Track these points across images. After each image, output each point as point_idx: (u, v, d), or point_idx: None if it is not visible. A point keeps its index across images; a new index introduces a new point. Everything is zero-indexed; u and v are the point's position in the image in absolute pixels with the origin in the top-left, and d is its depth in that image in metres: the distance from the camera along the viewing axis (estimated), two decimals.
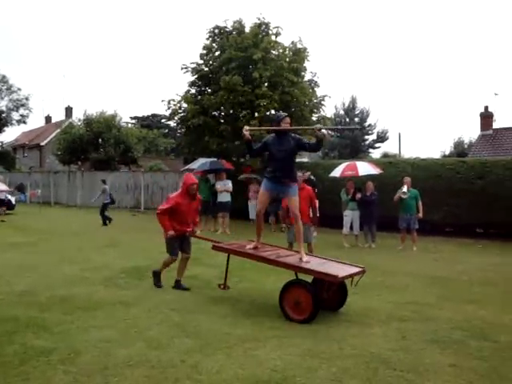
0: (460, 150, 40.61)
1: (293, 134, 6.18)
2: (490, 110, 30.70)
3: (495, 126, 30.44)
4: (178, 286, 7.06)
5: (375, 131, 44.33)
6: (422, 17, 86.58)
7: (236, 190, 15.35)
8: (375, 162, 15.42)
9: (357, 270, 5.98)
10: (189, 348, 4.65)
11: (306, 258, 6.03)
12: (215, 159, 16.81)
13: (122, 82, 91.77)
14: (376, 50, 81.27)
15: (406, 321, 5.66)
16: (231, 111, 17.59)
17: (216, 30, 18.18)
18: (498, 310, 6.26)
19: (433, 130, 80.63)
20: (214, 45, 18.15)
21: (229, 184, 15.04)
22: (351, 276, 5.80)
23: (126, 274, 8.08)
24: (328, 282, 5.58)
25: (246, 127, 6.11)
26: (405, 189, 11.89)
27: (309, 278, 5.90)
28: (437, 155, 42.25)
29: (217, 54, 18.11)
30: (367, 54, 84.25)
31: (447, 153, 42.42)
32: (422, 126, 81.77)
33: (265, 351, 4.60)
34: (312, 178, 13.57)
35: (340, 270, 5.79)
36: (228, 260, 6.64)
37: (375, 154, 44.96)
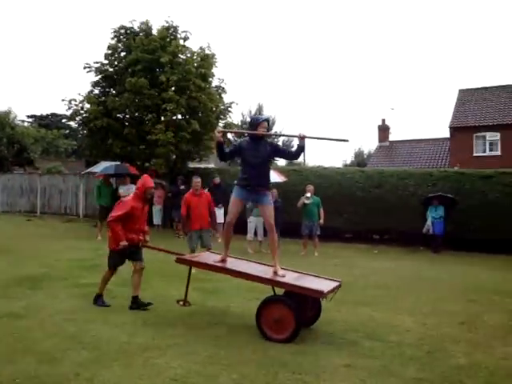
0: (360, 159, 42.97)
1: (269, 140, 5.88)
2: (386, 123, 32.81)
3: (391, 138, 32.59)
4: (137, 304, 6.24)
5: (280, 140, 45.64)
6: (322, 26, 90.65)
7: None
8: (280, 170, 15.80)
9: (336, 284, 5.63)
10: (85, 360, 4.43)
11: (281, 271, 5.63)
12: (119, 163, 16.29)
13: (17, 77, 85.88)
14: (284, 58, 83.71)
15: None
16: (136, 114, 17.15)
17: (122, 30, 17.66)
18: (390, 311, 6.65)
19: None
20: (119, 45, 17.60)
21: (132, 189, 14.59)
22: (334, 291, 5.46)
23: (18, 284, 7.54)
24: (313, 297, 5.30)
25: (219, 129, 6.11)
26: (308, 195, 12.32)
27: (274, 291, 5.70)
28: (339, 164, 44.29)
29: (122, 54, 17.59)
30: (275, 62, 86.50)
31: (348, 162, 44.66)
32: (325, 135, 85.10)
33: (165, 360, 4.50)
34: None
35: (322, 284, 5.45)
36: (189, 274, 6.21)
37: (280, 161, 46.18)
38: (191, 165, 19.03)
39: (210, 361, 4.51)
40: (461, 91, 29.33)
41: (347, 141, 5.69)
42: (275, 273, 5.58)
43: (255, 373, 4.26)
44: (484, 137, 26.22)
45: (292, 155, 6.00)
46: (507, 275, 10.15)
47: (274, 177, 13.18)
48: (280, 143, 36.87)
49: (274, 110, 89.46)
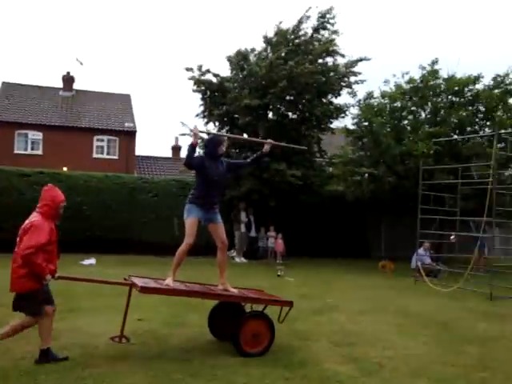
0: None
1: (222, 158, 5.77)
2: None
3: None
4: (49, 356, 4.69)
5: None
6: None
7: None
8: None
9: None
10: None
11: (231, 288, 5.66)
12: None
13: None
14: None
15: None
16: None
17: None
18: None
19: None
20: None
21: None
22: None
23: None
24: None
25: (196, 127, 5.70)
26: None
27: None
28: None
29: None
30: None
31: None
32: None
33: None
34: None
35: (274, 297, 6.02)
36: (128, 303, 5.18)
37: None
38: None
39: None
40: (5, 84, 28.12)
41: (305, 148, 4.95)
42: (226, 290, 5.62)
43: None
44: (26, 135, 25.95)
45: (253, 163, 6.19)
46: None
47: None
48: None
49: None
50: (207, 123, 16.74)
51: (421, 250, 13.10)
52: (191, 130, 6.23)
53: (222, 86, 15.99)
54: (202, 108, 16.66)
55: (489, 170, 11.04)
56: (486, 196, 10.60)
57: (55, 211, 4.77)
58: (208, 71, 16.06)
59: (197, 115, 16.79)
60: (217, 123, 16.53)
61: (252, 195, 15.22)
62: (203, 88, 16.27)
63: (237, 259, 15.01)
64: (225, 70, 18.01)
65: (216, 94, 16.32)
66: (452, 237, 13.53)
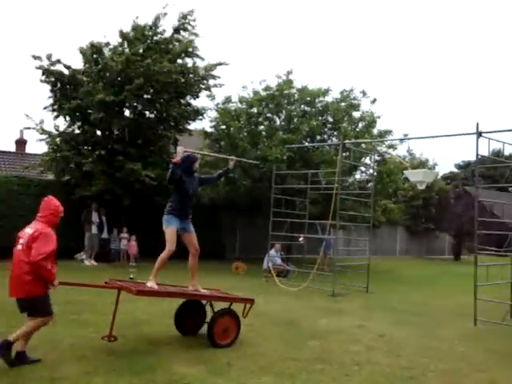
0: None
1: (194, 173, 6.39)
2: None
3: None
4: (24, 357, 4.84)
5: None
6: None
7: None
8: None
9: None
10: None
11: (201, 289, 6.40)
12: None
13: None
14: None
15: None
16: None
17: None
18: None
19: None
20: None
21: None
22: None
23: None
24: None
25: (182, 148, 6.20)
26: None
27: None
28: None
29: None
30: None
31: None
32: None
33: None
34: None
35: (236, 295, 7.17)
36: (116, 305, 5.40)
37: None
38: None
39: None
40: None
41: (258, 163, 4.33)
42: (197, 290, 6.30)
43: None
44: None
45: (220, 177, 7.12)
46: None
47: None
48: None
49: None
50: (57, 117, 15.51)
51: (272, 252, 13.63)
52: (178, 151, 6.31)
53: (74, 79, 14.95)
54: (51, 100, 15.43)
55: (334, 177, 11.88)
56: (331, 201, 11.39)
57: (57, 219, 5.15)
58: (58, 61, 14.91)
59: (45, 108, 15.46)
60: (67, 118, 15.42)
61: (104, 195, 14.49)
62: (53, 79, 15.05)
63: (86, 262, 14.10)
64: (77, 62, 16.95)
65: (67, 86, 15.23)
66: (301, 239, 14.31)
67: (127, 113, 15.78)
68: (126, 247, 15.06)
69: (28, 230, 4.92)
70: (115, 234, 15.24)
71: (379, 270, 10.27)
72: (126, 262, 14.75)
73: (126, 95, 14.38)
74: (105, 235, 15.10)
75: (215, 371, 4.90)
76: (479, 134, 8.38)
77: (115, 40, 15.57)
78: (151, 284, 5.99)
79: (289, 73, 17.01)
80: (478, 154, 8.55)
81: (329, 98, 17.08)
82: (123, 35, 15.22)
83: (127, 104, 15.27)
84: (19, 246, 4.85)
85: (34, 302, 4.82)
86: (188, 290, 6.37)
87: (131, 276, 11.52)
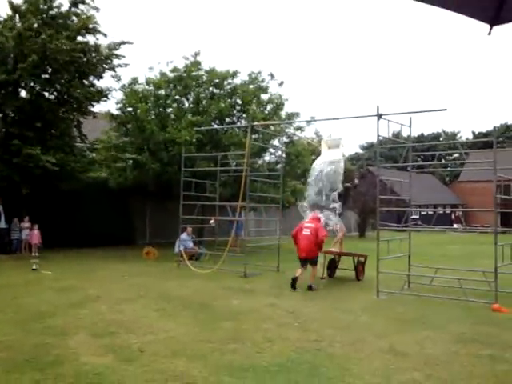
0: None
1: None
2: None
3: None
4: (313, 287, 9.03)
5: None
6: None
7: None
8: None
9: None
10: None
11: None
12: None
13: None
14: None
15: None
16: None
17: None
18: None
19: None
20: None
21: None
22: None
23: None
24: None
25: None
26: None
27: None
28: None
29: None
30: None
31: None
32: None
33: None
34: None
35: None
36: None
37: None
38: None
39: None
40: None
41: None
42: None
43: None
44: None
45: None
46: None
47: None
48: None
49: None
50: None
51: (184, 235, 13.49)
52: None
53: None
54: None
55: (244, 159, 11.94)
56: (241, 182, 11.45)
57: None
58: None
59: None
60: None
61: (0, 182, 13.47)
62: None
63: None
64: None
65: None
66: (211, 221, 14.29)
67: (23, 93, 14.72)
68: (28, 237, 14.18)
69: (309, 225, 8.55)
70: (16, 223, 14.26)
71: (290, 250, 10.54)
72: (29, 252, 13.89)
73: (21, 74, 13.37)
74: (3, 225, 14.06)
75: (126, 359, 4.77)
76: (379, 116, 8.82)
77: (5, 13, 14.38)
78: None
79: (196, 54, 16.74)
80: (378, 135, 9.00)
81: (237, 81, 17.07)
82: (14, 8, 14.03)
83: (23, 84, 14.23)
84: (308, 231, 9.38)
85: (315, 258, 9.40)
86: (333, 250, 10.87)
87: (34, 267, 10.90)
